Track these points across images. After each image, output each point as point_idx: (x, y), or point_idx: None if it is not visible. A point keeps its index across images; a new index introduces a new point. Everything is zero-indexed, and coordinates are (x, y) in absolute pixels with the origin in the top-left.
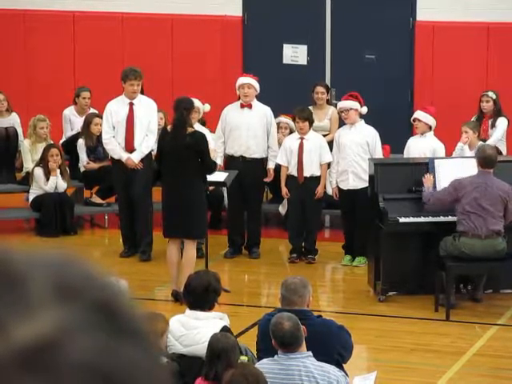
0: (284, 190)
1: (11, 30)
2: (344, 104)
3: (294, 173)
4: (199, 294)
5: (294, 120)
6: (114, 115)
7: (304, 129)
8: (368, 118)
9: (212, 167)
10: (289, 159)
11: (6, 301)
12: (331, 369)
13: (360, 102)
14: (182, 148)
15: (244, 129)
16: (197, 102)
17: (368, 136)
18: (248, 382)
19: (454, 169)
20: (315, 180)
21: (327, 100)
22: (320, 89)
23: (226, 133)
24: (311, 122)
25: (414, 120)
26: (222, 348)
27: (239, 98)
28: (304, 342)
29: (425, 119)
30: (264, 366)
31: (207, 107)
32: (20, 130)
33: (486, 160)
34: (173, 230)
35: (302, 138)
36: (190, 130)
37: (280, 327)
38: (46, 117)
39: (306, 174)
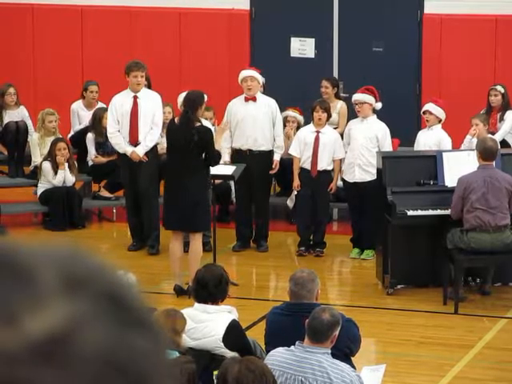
0: (296, 181)
1: (19, 24)
2: (359, 97)
3: (306, 166)
4: (214, 287)
5: (312, 111)
6: (119, 108)
7: (322, 119)
8: (376, 111)
9: (217, 158)
10: (302, 151)
11: (16, 294)
12: (346, 368)
13: (375, 97)
14: (188, 143)
15: (250, 122)
16: None
17: (378, 131)
18: (254, 375)
19: (461, 161)
20: (326, 174)
21: (335, 94)
22: (325, 83)
23: (232, 127)
24: (329, 116)
25: (424, 112)
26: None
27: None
28: (331, 343)
29: (436, 111)
30: (280, 354)
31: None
32: (30, 123)
33: (487, 152)
34: (174, 222)
35: (317, 132)
36: (196, 124)
37: (319, 316)
38: (54, 111)
39: (319, 167)
